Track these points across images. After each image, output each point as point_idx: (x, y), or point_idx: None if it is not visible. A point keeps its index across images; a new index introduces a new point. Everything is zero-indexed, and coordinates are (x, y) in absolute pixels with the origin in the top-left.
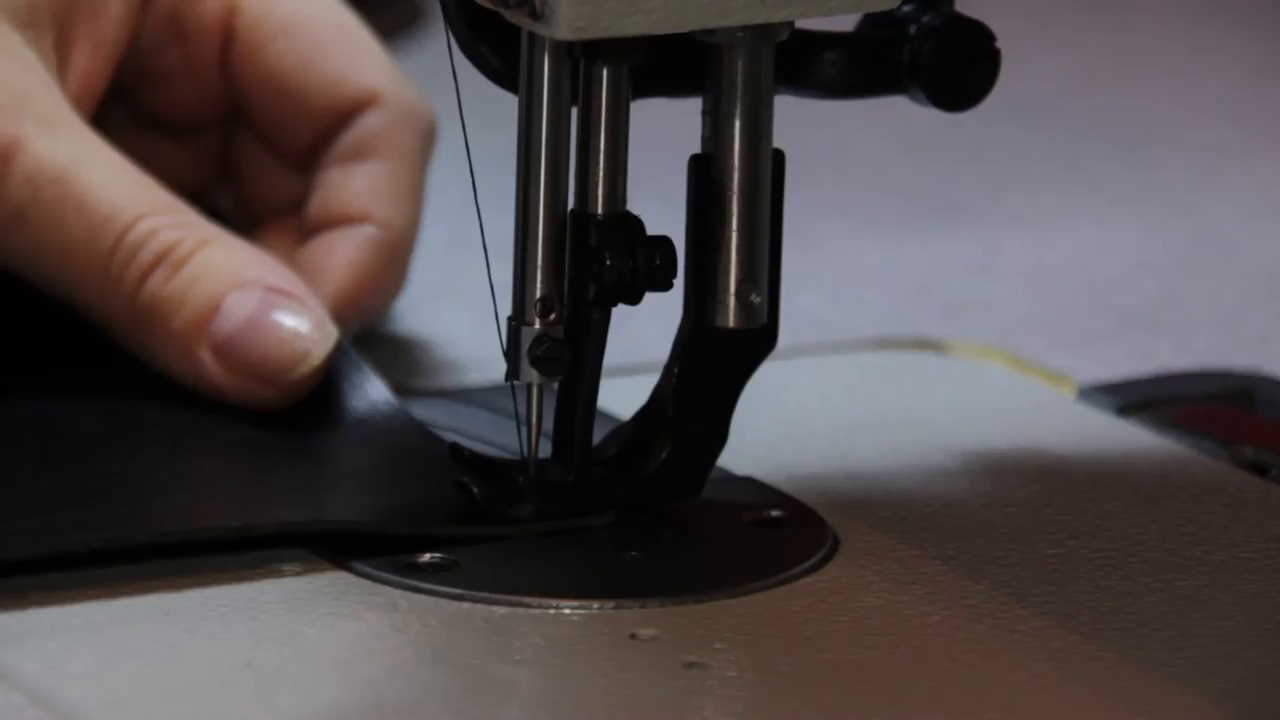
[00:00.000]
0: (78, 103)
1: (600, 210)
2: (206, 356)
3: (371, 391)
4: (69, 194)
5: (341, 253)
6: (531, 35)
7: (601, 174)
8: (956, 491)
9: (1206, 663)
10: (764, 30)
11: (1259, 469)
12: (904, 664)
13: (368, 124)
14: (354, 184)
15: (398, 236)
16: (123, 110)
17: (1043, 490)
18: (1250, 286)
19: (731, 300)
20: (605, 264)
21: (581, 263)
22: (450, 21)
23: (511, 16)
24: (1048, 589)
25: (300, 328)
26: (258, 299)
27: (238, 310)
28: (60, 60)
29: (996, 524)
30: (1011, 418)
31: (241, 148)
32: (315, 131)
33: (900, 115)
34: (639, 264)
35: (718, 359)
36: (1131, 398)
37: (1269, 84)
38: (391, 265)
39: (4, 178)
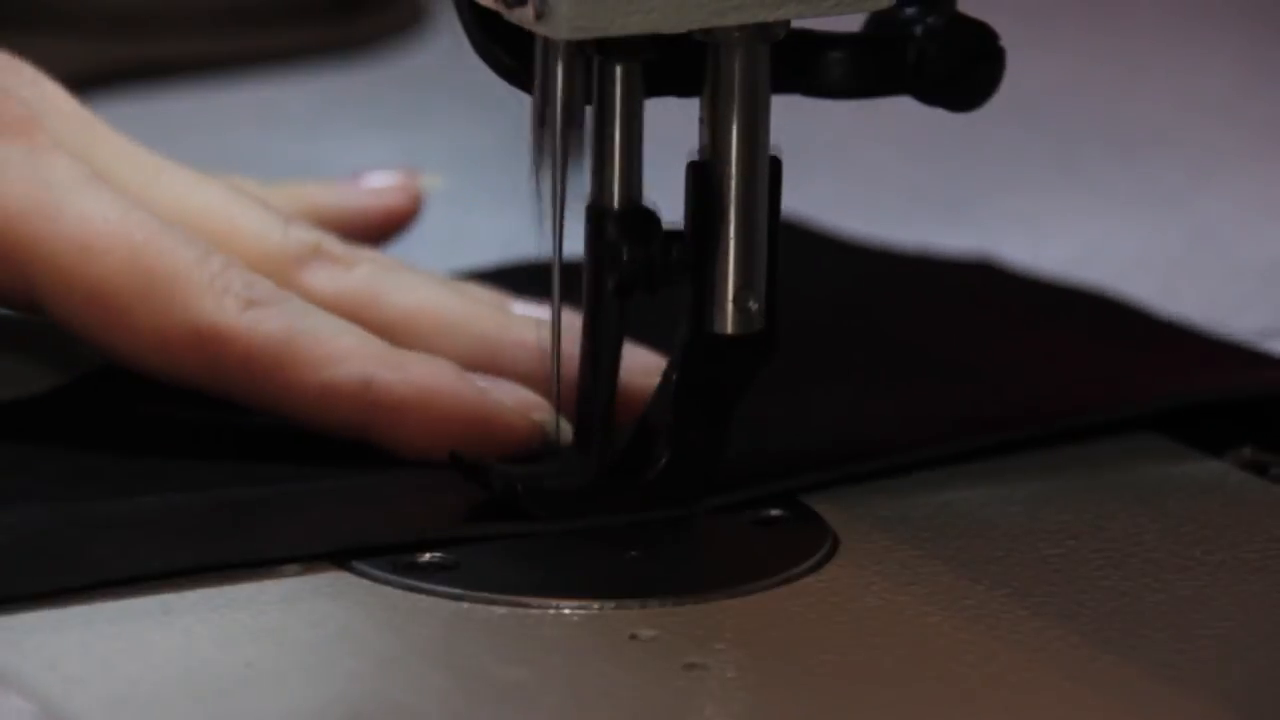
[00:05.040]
0: None
1: (616, 204)
2: None
3: None
4: None
5: None
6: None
7: (617, 169)
8: (956, 491)
9: (1207, 663)
10: (760, 29)
11: (1259, 469)
12: (904, 664)
13: None
14: None
15: None
16: None
17: (1043, 490)
18: (1247, 285)
19: (729, 306)
20: (623, 257)
21: (599, 255)
22: (464, 21)
23: (512, 16)
24: (1048, 589)
25: None
26: None
27: None
28: None
29: (996, 524)
30: None
31: None
32: None
33: (897, 115)
34: (656, 256)
35: (716, 366)
36: None
37: (1266, 84)
38: None
39: None
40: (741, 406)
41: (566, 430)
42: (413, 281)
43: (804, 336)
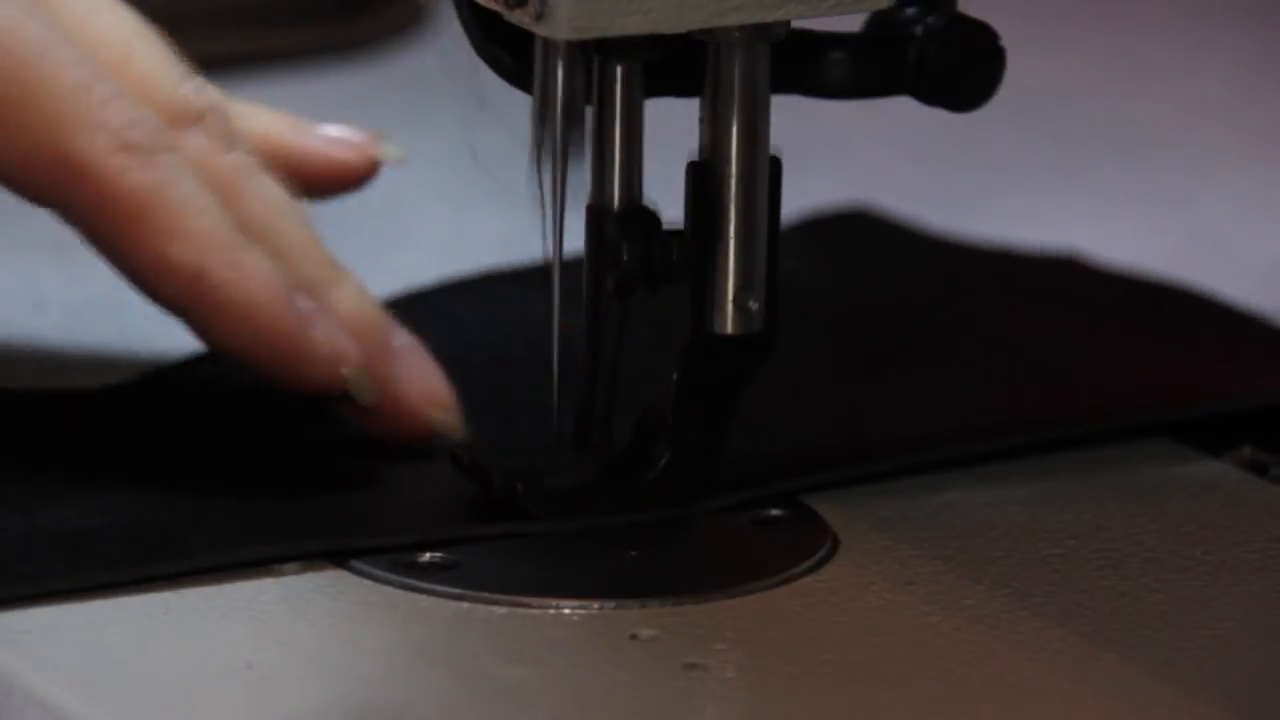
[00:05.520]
0: None
1: (616, 204)
2: None
3: None
4: None
5: None
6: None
7: (617, 169)
8: (956, 491)
9: (1207, 663)
10: (760, 29)
11: (1259, 469)
12: (904, 664)
13: None
14: None
15: None
16: None
17: (1043, 490)
18: (1246, 285)
19: (729, 306)
20: (623, 257)
21: (599, 255)
22: (464, 21)
23: (512, 17)
24: (1048, 589)
25: None
26: None
27: None
28: None
29: (996, 524)
30: None
31: None
32: None
33: (898, 115)
34: (656, 256)
35: (715, 365)
36: None
37: (1266, 84)
38: None
39: None
40: (741, 406)
41: (369, 386)
42: (274, 191)
43: (867, 329)
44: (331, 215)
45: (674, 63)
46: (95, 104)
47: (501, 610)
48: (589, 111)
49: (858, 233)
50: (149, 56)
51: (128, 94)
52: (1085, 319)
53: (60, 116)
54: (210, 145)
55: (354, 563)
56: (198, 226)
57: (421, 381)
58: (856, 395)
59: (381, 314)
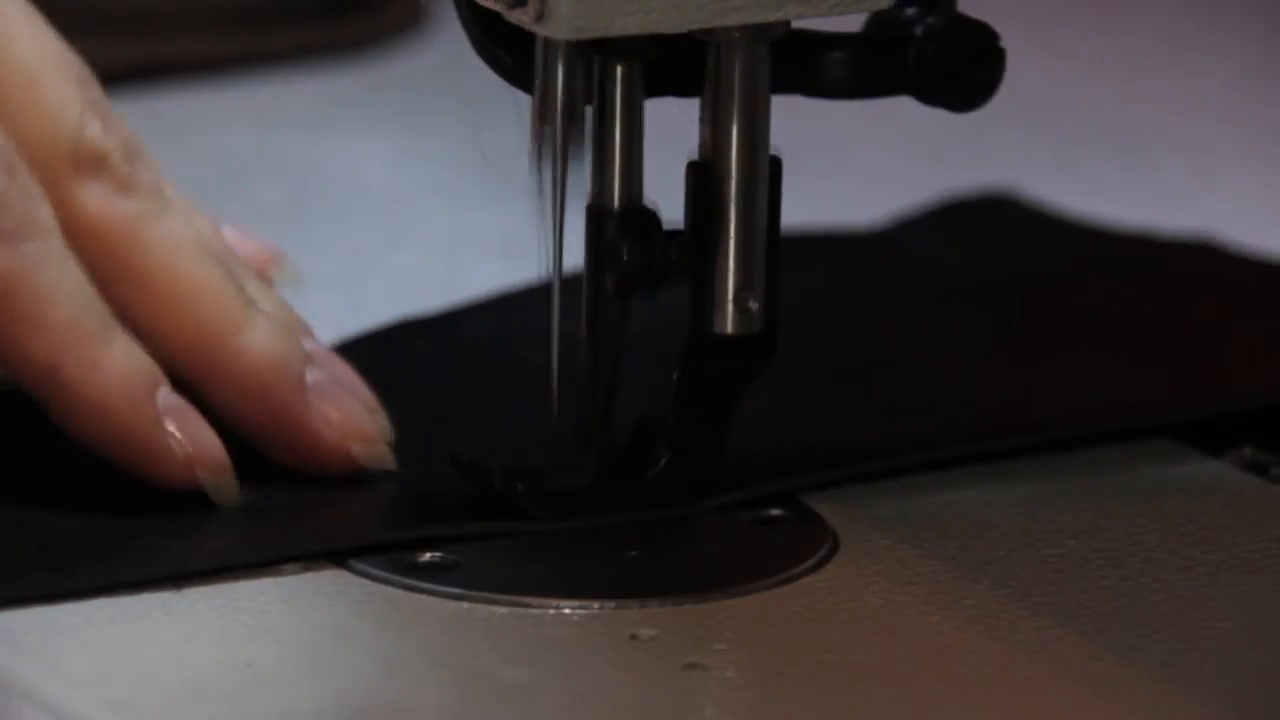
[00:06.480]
0: None
1: (617, 204)
2: None
3: None
4: None
5: None
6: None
7: (617, 169)
8: (956, 491)
9: (1207, 663)
10: (760, 29)
11: (1259, 469)
12: (904, 664)
13: None
14: None
15: None
16: None
17: (1043, 490)
18: None
19: (729, 306)
20: (623, 256)
21: (599, 255)
22: (464, 21)
23: (512, 16)
24: (1048, 589)
25: None
26: None
27: None
28: None
29: (996, 524)
30: None
31: None
32: None
33: (898, 115)
34: (656, 256)
35: (715, 365)
36: None
37: (1267, 84)
38: None
39: None
40: (740, 405)
41: (232, 490)
42: (178, 235)
43: (1000, 313)
44: (332, 215)
45: (674, 63)
46: None
47: (501, 610)
48: (589, 111)
49: (998, 217)
50: (58, 89)
51: (13, 159)
52: (1217, 304)
53: None
54: (110, 192)
55: (354, 563)
56: (55, 318)
57: (340, 417)
58: (969, 378)
59: (294, 352)
